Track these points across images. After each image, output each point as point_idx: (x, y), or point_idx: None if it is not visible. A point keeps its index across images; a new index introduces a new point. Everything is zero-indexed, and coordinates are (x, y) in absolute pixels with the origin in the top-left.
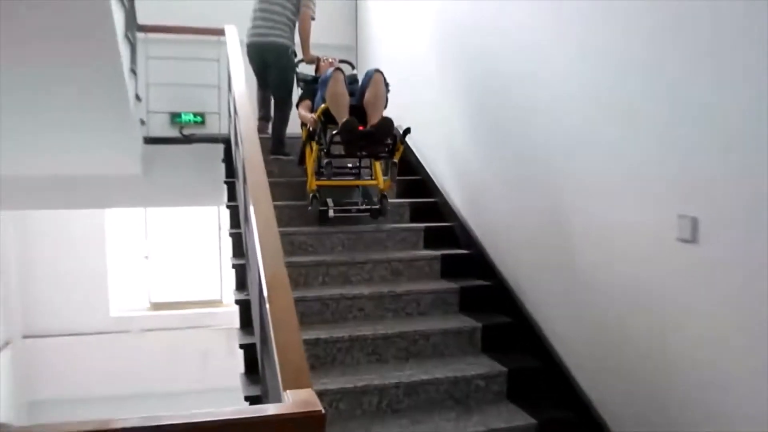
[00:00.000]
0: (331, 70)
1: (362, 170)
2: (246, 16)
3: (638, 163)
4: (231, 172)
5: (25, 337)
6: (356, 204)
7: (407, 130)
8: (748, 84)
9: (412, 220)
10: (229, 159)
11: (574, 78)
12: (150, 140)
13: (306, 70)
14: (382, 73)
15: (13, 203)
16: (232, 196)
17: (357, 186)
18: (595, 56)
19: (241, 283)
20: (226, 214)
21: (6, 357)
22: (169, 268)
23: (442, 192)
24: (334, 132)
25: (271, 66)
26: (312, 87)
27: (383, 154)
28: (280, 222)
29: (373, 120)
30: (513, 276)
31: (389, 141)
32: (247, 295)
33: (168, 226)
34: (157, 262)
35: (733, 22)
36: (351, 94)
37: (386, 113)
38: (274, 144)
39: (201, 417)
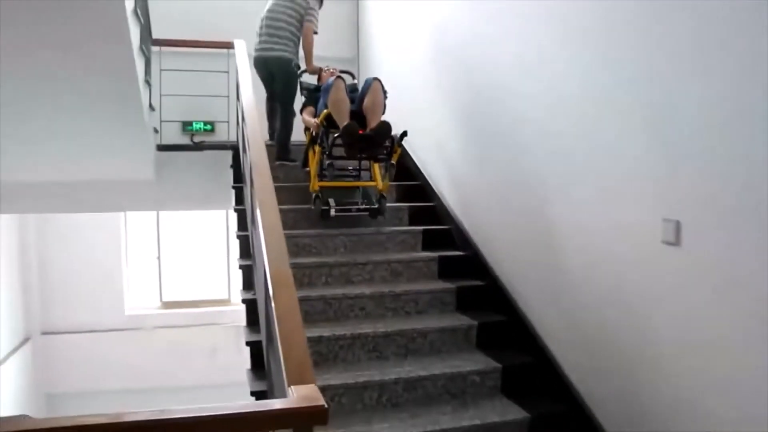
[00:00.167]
0: (332, 78)
1: (362, 172)
2: (253, 31)
3: (624, 169)
4: (239, 177)
5: (44, 333)
6: (356, 204)
7: (404, 134)
8: (734, 92)
9: (411, 223)
10: (237, 165)
11: (562, 87)
12: (162, 147)
13: (310, 80)
14: (380, 81)
15: (34, 207)
16: (239, 200)
17: (357, 187)
18: (583, 67)
19: (248, 283)
20: (233, 217)
21: (26, 352)
22: (180, 268)
23: (440, 196)
24: (336, 135)
25: (276, 77)
26: (315, 95)
27: (382, 156)
28: (285, 225)
29: (372, 124)
30: (507, 276)
31: (387, 144)
32: (254, 294)
33: (179, 228)
34: (169, 262)
35: (722, 28)
36: (351, 101)
37: (385, 119)
38: (279, 150)
39: (209, 411)
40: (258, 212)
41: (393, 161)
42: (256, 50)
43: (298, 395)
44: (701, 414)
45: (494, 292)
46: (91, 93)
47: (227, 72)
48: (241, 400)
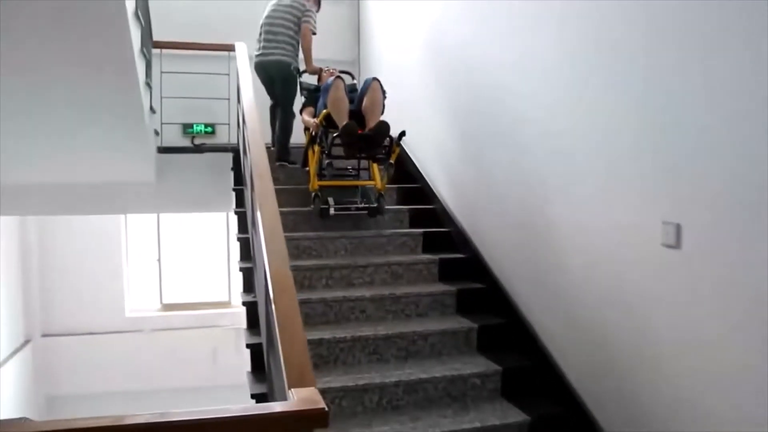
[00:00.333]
0: (332, 79)
1: (361, 172)
2: (255, 33)
3: (624, 171)
4: (239, 179)
5: (45, 335)
6: (355, 203)
7: (402, 133)
8: (735, 94)
9: (412, 226)
10: (237, 167)
11: (561, 87)
12: (163, 150)
13: (310, 80)
14: (379, 81)
15: (35, 209)
16: (240, 202)
17: (356, 186)
18: (583, 67)
19: (249, 286)
20: (234, 219)
21: (26, 354)
22: (181, 270)
23: (440, 199)
24: (335, 135)
25: (275, 81)
26: (315, 95)
27: (380, 156)
28: (286, 227)
29: (371, 124)
30: (507, 278)
31: (386, 143)
32: (254, 297)
33: (179, 231)
34: (169, 265)
35: (723, 29)
36: (350, 101)
37: (384, 119)
38: (279, 151)
39: (210, 414)
40: (258, 215)
41: (391, 161)
42: (256, 56)
43: (298, 398)
44: (701, 415)
45: (494, 294)
46: (92, 95)
47: (228, 74)
48: (241, 403)
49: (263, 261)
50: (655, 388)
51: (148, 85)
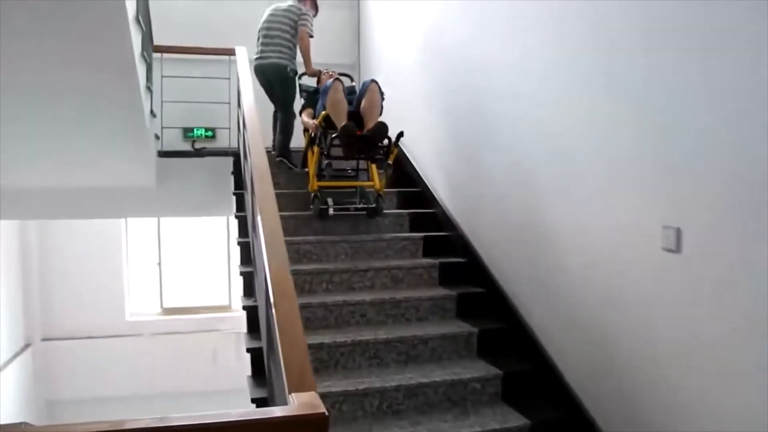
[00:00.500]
0: (331, 81)
1: (359, 172)
2: (255, 37)
3: (624, 172)
4: (240, 184)
5: (45, 339)
6: (354, 203)
7: (400, 134)
8: (735, 97)
9: (412, 230)
10: (238, 171)
11: (561, 90)
12: (163, 154)
13: (310, 82)
14: (377, 83)
15: (35, 213)
16: (240, 206)
17: (355, 187)
18: (583, 69)
19: (249, 290)
20: (234, 223)
21: (26, 358)
22: (181, 274)
23: (440, 202)
24: (334, 136)
25: (273, 84)
26: (314, 97)
27: (379, 156)
28: (286, 231)
29: (369, 125)
30: (507, 283)
31: (384, 144)
32: (255, 301)
33: (180, 235)
34: (170, 269)
35: (723, 30)
36: (349, 102)
37: (382, 120)
38: (280, 148)
39: (210, 418)
40: (259, 219)
41: (390, 161)
42: (255, 60)
43: (298, 402)
44: (702, 418)
45: (495, 298)
46: (93, 99)
47: (228, 78)
48: (241, 407)
49: (263, 265)
50: (655, 390)
51: (149, 89)
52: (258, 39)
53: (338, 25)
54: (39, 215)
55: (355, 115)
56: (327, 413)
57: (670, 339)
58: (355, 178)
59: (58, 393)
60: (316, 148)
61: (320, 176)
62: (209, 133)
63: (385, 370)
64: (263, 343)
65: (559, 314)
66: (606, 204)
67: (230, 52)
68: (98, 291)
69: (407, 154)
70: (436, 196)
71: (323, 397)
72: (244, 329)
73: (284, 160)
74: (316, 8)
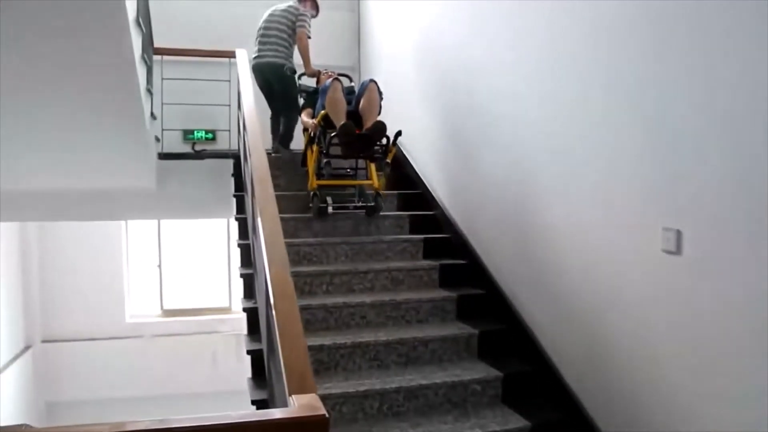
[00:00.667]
0: (330, 80)
1: (358, 171)
2: (255, 40)
3: (624, 174)
4: (240, 186)
5: (45, 341)
6: (353, 202)
7: (398, 133)
8: (734, 99)
9: (412, 232)
10: (238, 174)
11: (561, 92)
12: (164, 156)
13: (310, 83)
14: (376, 82)
15: (35, 215)
16: (240, 208)
17: (354, 186)
18: (582, 71)
19: (249, 292)
20: (234, 225)
21: (26, 360)
22: (181, 276)
23: (440, 204)
24: (333, 135)
25: (272, 82)
26: (313, 97)
27: (378, 155)
28: (286, 233)
29: (368, 124)
30: (507, 284)
31: (383, 143)
32: (255, 303)
33: (180, 237)
34: (170, 271)
35: (724, 31)
36: (348, 102)
37: (380, 119)
38: (282, 138)
39: (210, 420)
40: (259, 221)
41: (388, 160)
42: (253, 59)
43: (299, 404)
44: (702, 420)
45: (495, 300)
46: (93, 102)
47: (229, 81)
48: (241, 409)
49: (264, 267)
50: (655, 390)
51: (149, 91)
52: (257, 37)
53: (338, 27)
54: (39, 217)
55: (354, 115)
56: (327, 415)
57: (670, 339)
58: (354, 176)
59: (59, 395)
60: (315, 147)
61: (319, 175)
62: (209, 135)
63: (386, 372)
64: (263, 345)
65: (559, 315)
66: (606, 205)
67: (230, 55)
68: (98, 293)
69: (407, 156)
70: (436, 198)
71: (323, 398)
72: (245, 331)
73: (282, 148)
74: (316, 8)
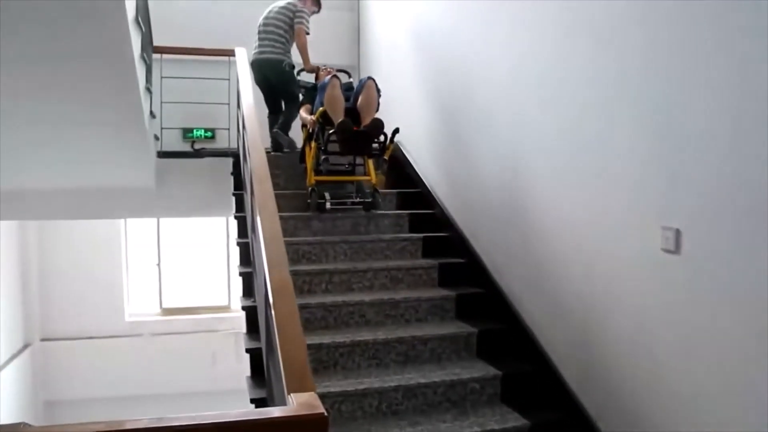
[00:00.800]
0: (329, 77)
1: (356, 167)
2: (254, 38)
3: (624, 176)
4: (239, 184)
5: (44, 339)
6: (351, 197)
7: (396, 130)
8: (734, 98)
9: (411, 230)
10: (237, 172)
11: (561, 92)
12: (163, 154)
13: (308, 79)
14: (374, 80)
15: (35, 213)
16: (240, 207)
17: (352, 181)
18: (582, 71)
19: (248, 290)
20: (234, 224)
21: (25, 359)
22: (180, 275)
23: (440, 203)
24: (331, 131)
25: (271, 79)
26: (312, 93)
27: (375, 152)
28: (286, 232)
29: (366, 121)
30: (506, 283)
31: (381, 139)
32: (254, 301)
33: (179, 235)
34: (169, 269)
35: (724, 31)
36: (346, 99)
37: (378, 117)
38: (282, 125)
39: (208, 419)
40: (258, 219)
41: (385, 157)
42: (252, 56)
43: (297, 403)
44: (702, 420)
45: (494, 299)
46: (92, 100)
47: (228, 79)
48: (240, 408)
49: (263, 265)
50: (655, 390)
51: (149, 90)
52: (257, 33)
53: (338, 27)
54: (38, 216)
55: (352, 112)
56: (326, 413)
57: (669, 339)
58: (352, 172)
59: (57, 393)
60: (313, 144)
61: (318, 171)
62: (209, 134)
63: (385, 371)
64: (262, 344)
65: (558, 314)
66: (605, 204)
67: (230, 53)
68: (97, 291)
69: (407, 155)
70: (435, 197)
71: (322, 397)
72: (244, 330)
73: (279, 132)
74: (318, 5)
